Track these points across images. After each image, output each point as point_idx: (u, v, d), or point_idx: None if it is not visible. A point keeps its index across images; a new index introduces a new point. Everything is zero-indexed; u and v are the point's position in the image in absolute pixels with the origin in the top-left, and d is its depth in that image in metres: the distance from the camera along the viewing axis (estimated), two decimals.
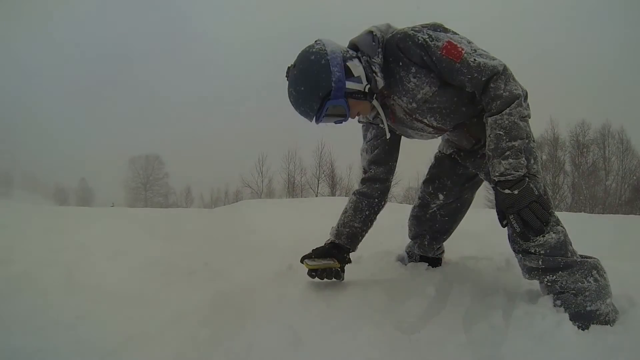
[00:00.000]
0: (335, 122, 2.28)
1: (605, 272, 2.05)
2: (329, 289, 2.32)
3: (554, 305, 1.99)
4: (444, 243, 2.94)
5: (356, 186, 2.78)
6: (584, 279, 1.98)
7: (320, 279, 2.42)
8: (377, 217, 2.69)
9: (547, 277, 2.01)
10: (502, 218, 2.05)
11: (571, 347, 1.72)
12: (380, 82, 2.20)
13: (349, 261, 2.61)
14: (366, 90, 2.17)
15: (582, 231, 5.31)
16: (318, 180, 40.34)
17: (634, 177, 34.53)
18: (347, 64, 2.14)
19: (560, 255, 1.99)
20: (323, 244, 2.60)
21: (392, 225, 3.24)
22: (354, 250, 2.65)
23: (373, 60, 2.21)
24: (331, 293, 2.27)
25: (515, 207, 1.97)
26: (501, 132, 2.04)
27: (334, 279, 2.48)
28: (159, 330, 1.87)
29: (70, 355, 1.63)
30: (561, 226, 2.06)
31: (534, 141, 2.18)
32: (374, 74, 2.20)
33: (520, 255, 2.08)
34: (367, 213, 2.62)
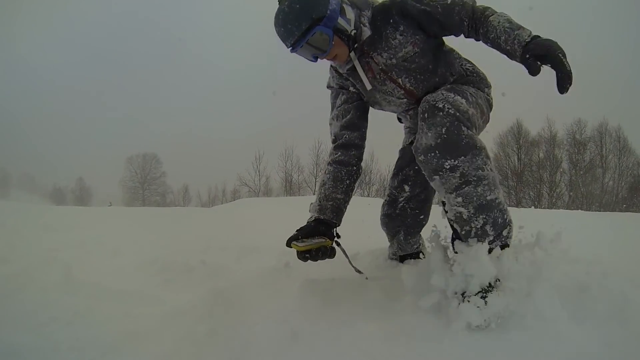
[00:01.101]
0: (311, 57, 2.24)
1: (492, 164, 2.02)
2: (326, 285, 2.33)
3: (452, 206, 1.97)
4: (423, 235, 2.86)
5: (328, 158, 2.62)
6: (481, 168, 1.93)
7: (314, 260, 2.26)
8: (355, 187, 2.57)
9: (448, 161, 1.92)
10: (541, 61, 1.94)
11: (569, 340, 1.72)
12: (367, 32, 2.23)
13: (338, 236, 2.46)
14: (352, 33, 2.20)
15: (580, 228, 5.39)
16: (315, 178, 40.30)
17: (631, 175, 34.63)
18: (343, 5, 2.18)
19: (465, 126, 1.96)
20: (306, 223, 2.41)
21: None
22: (339, 225, 2.48)
23: (363, 12, 2.26)
24: (328, 289, 2.28)
25: (561, 50, 1.89)
26: (507, 25, 2.04)
27: (327, 259, 2.32)
28: (157, 327, 1.88)
29: (69, 352, 1.64)
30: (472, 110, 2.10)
31: None
32: (362, 25, 2.23)
33: (425, 114, 2.02)
34: (347, 182, 2.50)
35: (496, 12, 2.13)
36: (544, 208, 23.91)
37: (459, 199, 1.93)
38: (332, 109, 2.60)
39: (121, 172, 52.01)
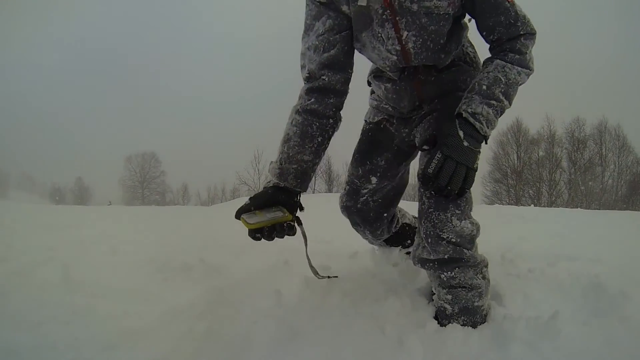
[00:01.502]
0: None
1: (488, 269, 1.97)
2: (325, 283, 2.31)
3: (439, 299, 1.92)
4: (398, 214, 2.62)
5: (297, 101, 2.03)
6: (476, 277, 1.87)
7: (269, 239, 1.82)
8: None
9: (445, 272, 1.85)
10: (429, 146, 1.82)
11: (572, 339, 1.71)
12: None
13: (301, 208, 1.98)
14: None
15: (580, 227, 5.39)
16: (315, 177, 40.14)
17: (631, 174, 34.66)
18: None
19: (467, 249, 1.83)
20: (262, 189, 1.96)
21: None
22: (304, 191, 2.01)
23: None
24: (327, 287, 2.26)
25: (454, 154, 1.70)
26: (502, 79, 1.79)
27: (286, 236, 1.86)
28: (155, 325, 1.87)
29: (67, 351, 1.63)
30: (475, 220, 1.87)
31: None
32: None
33: (424, 243, 1.84)
34: (319, 140, 1.98)
35: (525, 56, 1.84)
36: (543, 206, 23.89)
37: (449, 297, 1.88)
38: (308, 32, 1.99)
39: (120, 171, 52.07)
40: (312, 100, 1.96)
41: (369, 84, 2.34)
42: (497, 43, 1.87)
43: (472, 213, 1.88)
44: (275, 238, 1.81)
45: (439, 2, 1.77)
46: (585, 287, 2.25)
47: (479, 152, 1.76)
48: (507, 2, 1.81)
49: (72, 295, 2.09)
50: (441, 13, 1.79)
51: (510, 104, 1.84)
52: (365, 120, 2.39)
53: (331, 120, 2.00)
